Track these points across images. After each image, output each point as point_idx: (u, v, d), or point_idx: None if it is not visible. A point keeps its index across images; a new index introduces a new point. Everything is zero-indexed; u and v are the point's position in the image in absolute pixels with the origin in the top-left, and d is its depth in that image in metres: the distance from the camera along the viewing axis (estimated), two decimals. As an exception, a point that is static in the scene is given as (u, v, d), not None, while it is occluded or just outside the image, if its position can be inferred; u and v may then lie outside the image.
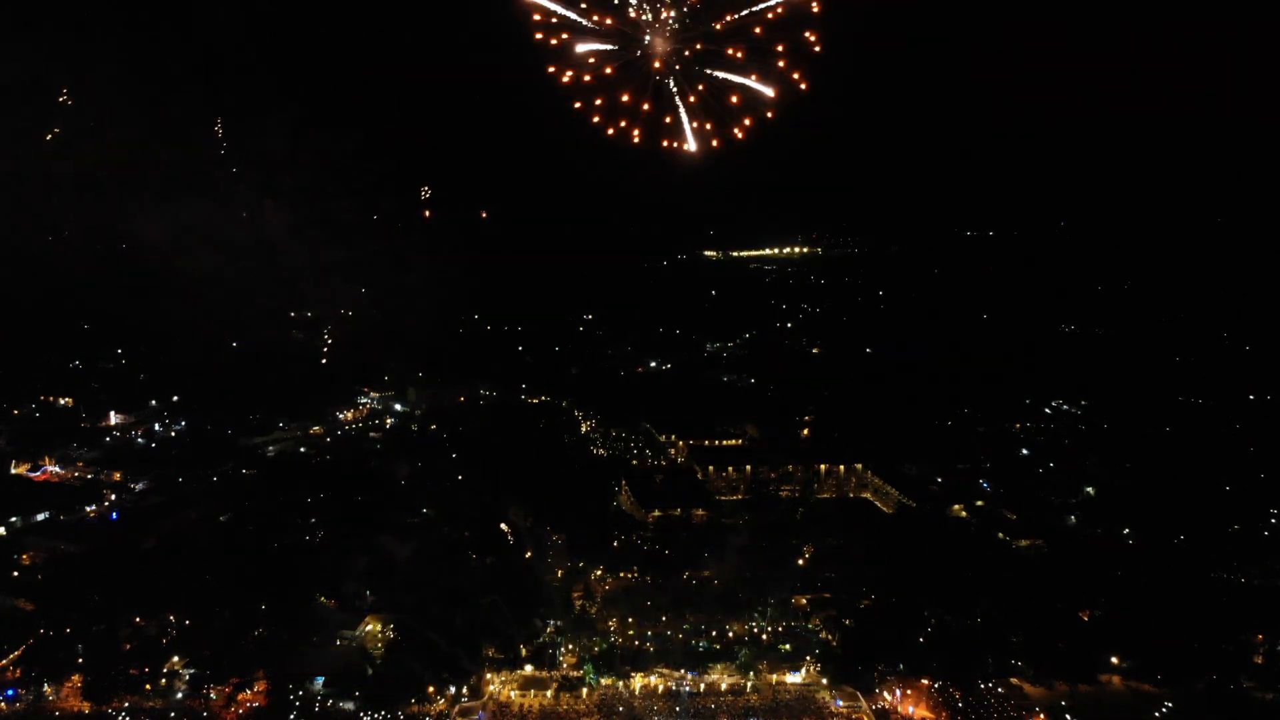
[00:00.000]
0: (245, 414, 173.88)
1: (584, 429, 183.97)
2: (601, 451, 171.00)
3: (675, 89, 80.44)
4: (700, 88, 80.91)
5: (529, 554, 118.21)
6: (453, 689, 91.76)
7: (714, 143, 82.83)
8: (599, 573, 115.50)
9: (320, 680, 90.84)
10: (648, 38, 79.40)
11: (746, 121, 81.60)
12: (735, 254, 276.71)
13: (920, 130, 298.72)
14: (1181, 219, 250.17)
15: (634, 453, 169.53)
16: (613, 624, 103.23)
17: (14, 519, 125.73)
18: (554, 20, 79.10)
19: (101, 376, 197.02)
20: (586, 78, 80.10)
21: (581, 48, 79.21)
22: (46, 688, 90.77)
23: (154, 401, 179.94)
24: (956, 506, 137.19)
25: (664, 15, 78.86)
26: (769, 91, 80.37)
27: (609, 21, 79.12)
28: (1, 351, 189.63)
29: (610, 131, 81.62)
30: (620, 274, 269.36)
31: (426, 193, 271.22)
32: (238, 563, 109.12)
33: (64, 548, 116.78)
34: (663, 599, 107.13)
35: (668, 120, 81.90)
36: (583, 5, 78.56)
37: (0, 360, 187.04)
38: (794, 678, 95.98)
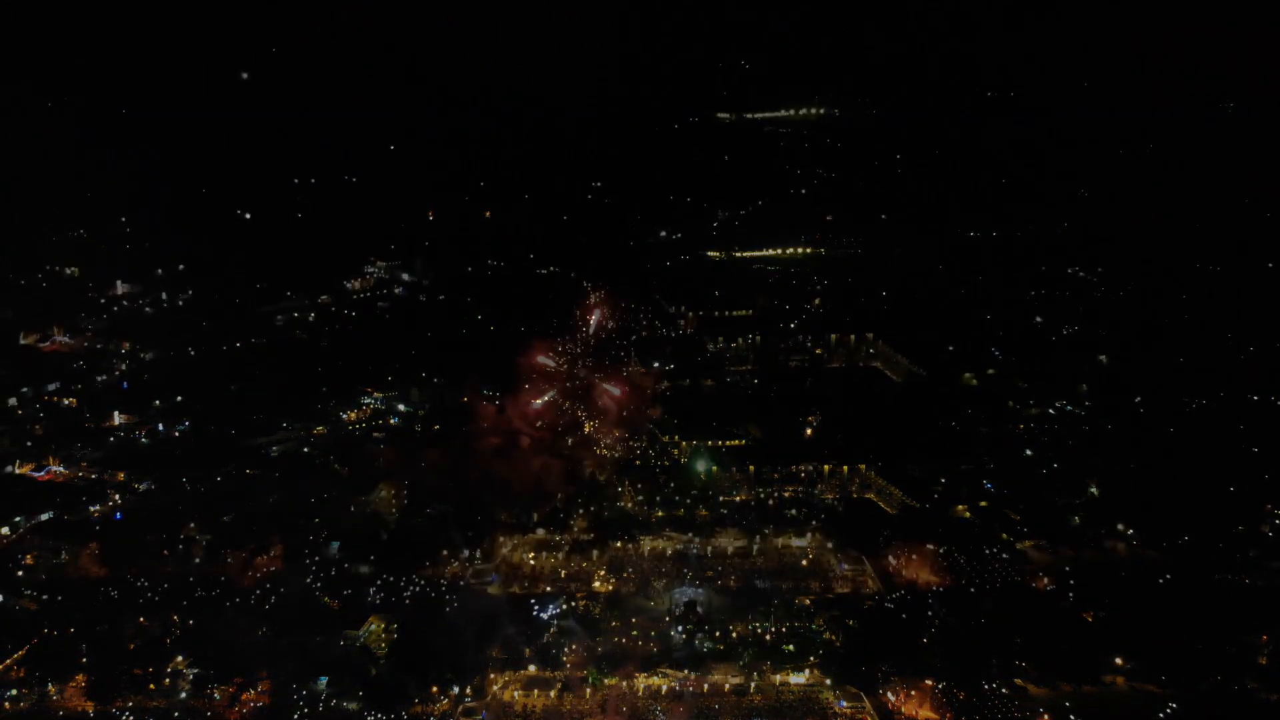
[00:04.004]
0: (248, 414, 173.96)
1: (585, 430, 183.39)
2: (603, 452, 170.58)
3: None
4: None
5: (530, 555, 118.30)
6: (456, 689, 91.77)
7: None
8: (602, 573, 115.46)
9: (324, 680, 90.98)
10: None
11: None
12: (738, 254, 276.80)
13: (922, 130, 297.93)
14: (1184, 219, 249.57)
15: (636, 453, 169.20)
16: (615, 623, 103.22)
17: (18, 519, 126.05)
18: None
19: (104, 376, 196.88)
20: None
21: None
22: (50, 687, 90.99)
23: (157, 402, 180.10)
24: (960, 507, 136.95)
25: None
26: None
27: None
28: (4, 351, 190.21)
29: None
30: (622, 274, 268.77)
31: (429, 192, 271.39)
32: (240, 562, 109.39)
33: (68, 548, 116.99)
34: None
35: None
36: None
37: (2, 360, 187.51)
38: (798, 678, 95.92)
